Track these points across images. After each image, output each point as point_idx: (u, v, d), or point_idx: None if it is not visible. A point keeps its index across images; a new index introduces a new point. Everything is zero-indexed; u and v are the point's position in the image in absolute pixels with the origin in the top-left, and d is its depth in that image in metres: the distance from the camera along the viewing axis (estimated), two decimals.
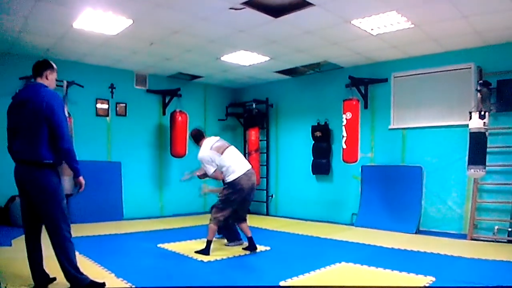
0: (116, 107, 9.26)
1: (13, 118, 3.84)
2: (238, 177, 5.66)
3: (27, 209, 3.91)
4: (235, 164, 5.75)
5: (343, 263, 5.24)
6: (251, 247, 5.87)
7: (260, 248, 6.16)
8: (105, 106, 9.09)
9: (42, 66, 3.89)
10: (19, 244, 5.61)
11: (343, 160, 8.17)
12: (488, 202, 7.06)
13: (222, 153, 5.79)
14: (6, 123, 3.89)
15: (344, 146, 8.06)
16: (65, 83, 7.86)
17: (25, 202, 3.91)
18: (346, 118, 8.02)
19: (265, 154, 10.64)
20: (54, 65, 3.97)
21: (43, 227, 3.90)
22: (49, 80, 3.89)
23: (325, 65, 9.00)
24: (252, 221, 9.02)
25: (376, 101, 8.67)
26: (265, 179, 10.55)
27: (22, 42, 7.12)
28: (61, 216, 3.79)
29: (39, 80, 3.86)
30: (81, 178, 3.88)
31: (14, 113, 3.83)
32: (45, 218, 3.81)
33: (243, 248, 5.99)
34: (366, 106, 8.64)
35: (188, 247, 6.21)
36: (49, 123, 3.65)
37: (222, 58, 8.46)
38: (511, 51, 6.90)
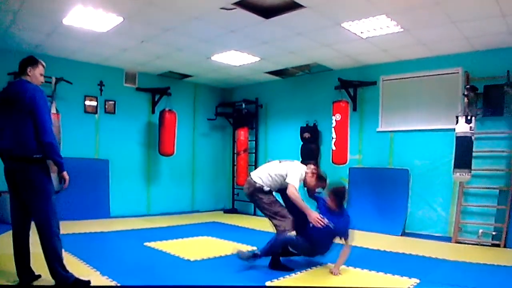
0: (105, 104, 9.22)
1: None
2: None
3: (17, 205, 3.89)
4: None
5: (329, 264, 5.24)
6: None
7: (247, 248, 6.16)
8: (94, 103, 9.04)
9: (24, 63, 3.88)
10: (5, 240, 5.57)
11: (332, 162, 8.19)
12: (473, 206, 7.13)
13: None
14: None
15: (334, 148, 8.08)
16: (53, 79, 7.81)
17: (14, 198, 3.89)
18: (335, 120, 8.05)
19: (254, 155, 10.64)
20: (38, 60, 3.95)
21: (32, 224, 3.89)
22: (31, 75, 3.86)
23: (315, 67, 9.03)
24: (240, 220, 9.06)
25: (364, 103, 8.71)
26: None
27: (11, 37, 7.06)
28: (51, 212, 3.79)
29: (23, 77, 3.86)
30: (65, 173, 3.84)
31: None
32: (35, 214, 3.80)
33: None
34: (355, 109, 8.68)
35: (175, 246, 6.20)
36: (31, 116, 3.65)
37: (212, 58, 8.46)
38: (499, 57, 6.97)
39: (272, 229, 5.42)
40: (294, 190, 5.05)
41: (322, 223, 4.90)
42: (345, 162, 8.13)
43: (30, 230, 3.95)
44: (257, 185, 5.28)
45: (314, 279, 4.70)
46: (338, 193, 5.16)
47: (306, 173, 5.31)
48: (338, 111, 8.06)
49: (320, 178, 5.37)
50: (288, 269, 5.02)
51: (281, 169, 5.30)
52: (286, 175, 5.18)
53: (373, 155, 8.55)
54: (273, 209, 5.25)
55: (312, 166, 5.44)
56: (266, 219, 5.57)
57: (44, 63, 4.01)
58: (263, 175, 5.35)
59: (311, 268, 5.09)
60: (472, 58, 7.26)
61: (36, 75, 3.92)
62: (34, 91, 3.73)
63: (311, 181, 5.35)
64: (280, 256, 5.15)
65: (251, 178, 5.39)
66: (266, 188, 5.28)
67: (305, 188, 5.45)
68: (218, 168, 11.48)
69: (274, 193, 5.43)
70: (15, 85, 3.83)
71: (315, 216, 4.97)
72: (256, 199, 5.34)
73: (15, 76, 6.81)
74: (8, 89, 3.86)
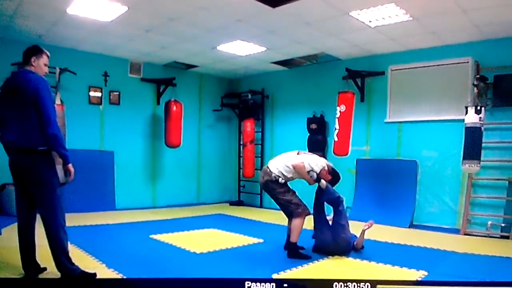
0: (110, 95, 9.17)
1: (2, 107, 3.79)
2: None
3: (22, 198, 3.86)
4: None
5: (336, 256, 5.22)
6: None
7: (253, 240, 6.15)
8: (98, 94, 8.99)
9: (28, 53, 3.82)
10: (10, 232, 5.56)
11: (333, 153, 8.11)
12: (482, 197, 7.07)
13: None
14: None
15: (336, 139, 7.99)
16: (57, 70, 7.76)
17: (20, 191, 3.86)
18: (340, 111, 7.96)
19: (260, 146, 10.59)
20: (43, 50, 3.89)
21: (37, 216, 3.86)
22: (35, 66, 3.80)
23: (322, 57, 8.94)
24: (246, 213, 9.04)
25: (372, 94, 8.63)
26: (259, 170, 10.50)
27: (14, 27, 7.01)
28: (56, 204, 3.77)
29: (26, 68, 3.80)
30: (70, 165, 3.79)
31: (3, 102, 3.78)
32: (40, 206, 3.78)
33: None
34: (362, 99, 8.60)
35: (181, 238, 6.18)
36: (35, 107, 3.60)
37: (218, 48, 8.38)
38: (509, 46, 6.87)
39: (278, 221, 5.42)
40: (301, 165, 5.27)
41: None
42: (346, 154, 8.02)
43: (36, 223, 3.92)
44: (273, 175, 5.33)
45: (320, 272, 4.68)
46: (336, 173, 5.53)
47: (323, 167, 5.39)
48: (343, 102, 7.96)
49: (334, 176, 5.50)
50: (306, 257, 5.18)
51: (299, 160, 5.35)
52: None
53: (381, 146, 8.48)
54: (287, 197, 5.35)
55: (329, 164, 5.55)
56: (272, 211, 5.56)
57: (48, 53, 3.95)
58: (280, 165, 5.39)
59: (318, 261, 5.05)
60: (482, 47, 7.15)
61: (41, 65, 3.86)
62: (38, 82, 3.67)
63: (326, 177, 5.45)
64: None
65: (268, 168, 5.44)
66: (282, 180, 5.32)
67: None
68: (224, 160, 11.44)
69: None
70: (18, 76, 3.78)
71: (322, 182, 5.39)
72: (270, 189, 5.40)
73: (19, 67, 6.82)
74: (12, 80, 3.80)
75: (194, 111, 10.70)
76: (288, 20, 6.66)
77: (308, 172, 5.32)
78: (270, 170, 5.36)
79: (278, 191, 5.34)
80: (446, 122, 7.57)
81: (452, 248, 5.85)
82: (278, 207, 5.50)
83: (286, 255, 5.29)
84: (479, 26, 6.54)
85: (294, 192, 5.45)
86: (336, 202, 5.38)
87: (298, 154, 5.49)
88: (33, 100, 3.59)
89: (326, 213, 5.50)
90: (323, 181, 5.36)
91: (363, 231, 5.50)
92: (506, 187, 6.88)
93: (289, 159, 5.39)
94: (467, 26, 6.58)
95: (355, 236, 5.50)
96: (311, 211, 5.46)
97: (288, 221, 5.53)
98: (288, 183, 5.44)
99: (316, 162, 5.37)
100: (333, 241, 5.25)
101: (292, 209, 5.32)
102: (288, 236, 5.46)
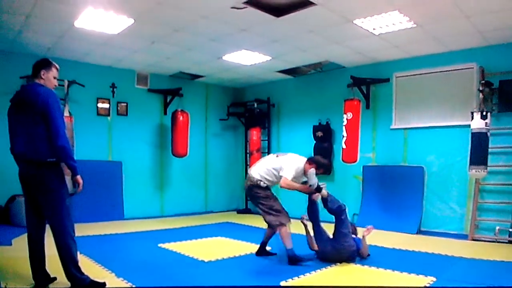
0: (117, 106, 9.25)
1: (12, 119, 3.86)
2: None
3: (32, 208, 3.90)
4: None
5: (344, 263, 5.22)
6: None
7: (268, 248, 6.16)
8: (106, 105, 9.08)
9: (38, 66, 3.88)
10: (20, 243, 5.62)
11: (342, 160, 8.14)
12: (490, 203, 7.05)
13: None
14: (8, 126, 3.90)
15: (344, 146, 8.03)
16: (66, 82, 7.85)
17: (29, 202, 3.90)
18: (346, 118, 7.99)
19: (267, 154, 10.56)
20: (52, 63, 3.94)
21: (47, 226, 3.90)
22: (45, 78, 3.85)
23: (327, 65, 8.98)
24: (253, 221, 9.02)
25: (378, 101, 8.65)
26: None
27: (22, 40, 7.11)
28: (65, 215, 3.80)
29: (36, 81, 3.85)
30: (78, 177, 3.83)
31: (13, 114, 3.85)
32: (49, 217, 3.82)
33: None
34: (367, 106, 8.62)
35: (189, 247, 6.20)
36: (44, 120, 3.65)
37: (223, 58, 8.44)
38: None
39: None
40: (286, 180, 5.21)
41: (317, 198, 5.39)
42: (355, 161, 8.07)
43: (45, 233, 3.96)
44: (255, 179, 5.40)
45: (328, 279, 4.66)
46: (323, 162, 5.49)
47: (303, 164, 5.41)
48: (350, 109, 8.00)
49: (318, 164, 5.43)
50: (307, 260, 5.29)
51: (277, 163, 5.41)
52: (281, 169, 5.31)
53: (387, 153, 8.48)
54: (269, 203, 5.40)
55: (312, 157, 5.57)
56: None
57: (58, 66, 4.00)
58: (261, 170, 5.46)
59: (326, 268, 5.04)
60: (487, 52, 7.17)
61: (50, 78, 3.91)
62: (47, 95, 3.72)
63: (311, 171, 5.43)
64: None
65: (250, 173, 5.52)
66: (263, 184, 5.38)
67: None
68: (231, 168, 11.47)
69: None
70: (28, 89, 3.83)
71: (315, 195, 5.39)
72: (253, 194, 5.46)
73: (28, 80, 6.90)
74: (21, 92, 3.85)
75: (200, 121, 10.76)
76: (292, 29, 6.70)
77: (294, 179, 5.34)
78: (252, 176, 5.44)
79: (260, 196, 5.40)
80: (452, 128, 7.57)
81: (460, 253, 5.83)
82: (293, 215, 5.52)
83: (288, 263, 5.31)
84: (483, 31, 6.55)
85: (277, 199, 5.52)
86: (339, 212, 5.31)
87: (277, 156, 5.58)
88: (42, 113, 3.64)
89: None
90: (324, 191, 5.34)
91: (363, 237, 5.51)
92: None
93: (269, 163, 5.48)
94: (471, 32, 6.59)
95: (359, 239, 5.50)
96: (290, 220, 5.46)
97: (268, 227, 5.65)
98: (271, 189, 5.52)
99: (293, 162, 5.39)
100: (336, 251, 5.24)
101: (271, 219, 5.36)
102: (263, 243, 5.73)
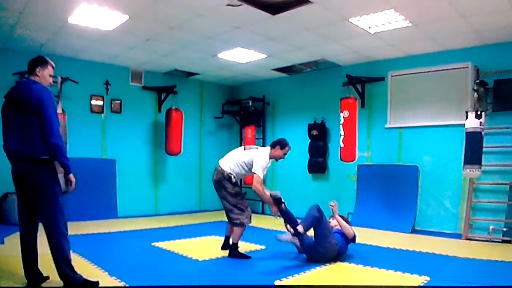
0: (111, 103, 9.20)
1: (6, 116, 3.84)
2: None
3: (24, 207, 3.87)
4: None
5: (338, 262, 5.22)
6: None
7: (255, 247, 6.16)
8: (100, 102, 9.03)
9: (33, 63, 3.86)
10: (12, 241, 5.59)
11: (341, 159, 8.13)
12: (484, 202, 7.06)
13: None
14: (1, 122, 3.88)
15: (342, 145, 8.02)
16: (59, 79, 7.80)
17: (22, 200, 3.88)
18: (343, 117, 7.99)
19: None
20: (48, 61, 3.92)
21: (39, 225, 3.87)
22: (40, 76, 3.84)
23: (323, 63, 8.97)
24: None
25: (373, 99, 8.65)
26: None
27: (16, 37, 7.06)
28: (58, 213, 3.78)
29: (31, 77, 3.84)
30: (71, 175, 3.81)
31: (7, 111, 3.83)
32: (42, 215, 3.79)
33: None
34: (363, 105, 8.62)
35: (183, 246, 6.19)
36: (38, 117, 3.62)
37: (219, 55, 8.42)
38: (509, 50, 6.89)
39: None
40: (257, 183, 5.36)
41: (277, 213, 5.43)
42: (354, 159, 8.07)
43: (38, 232, 3.94)
44: (226, 173, 5.50)
45: (322, 278, 4.67)
46: (278, 142, 5.71)
47: (269, 153, 5.59)
48: (346, 107, 8.00)
49: (281, 145, 5.67)
50: (246, 256, 5.50)
51: (247, 156, 5.55)
52: (252, 163, 5.46)
53: (382, 152, 8.48)
54: (235, 200, 5.51)
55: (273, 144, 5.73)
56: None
57: (53, 64, 3.99)
58: (231, 162, 5.58)
59: (320, 267, 5.04)
60: (482, 52, 7.18)
61: (45, 75, 3.89)
62: (42, 92, 3.70)
63: (278, 153, 5.66)
64: None
65: (220, 166, 5.60)
66: (234, 179, 5.51)
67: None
68: None
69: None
70: (22, 85, 3.81)
71: (274, 209, 5.45)
72: (222, 188, 5.52)
73: (21, 76, 6.86)
74: (16, 89, 3.84)
75: (195, 118, 10.73)
76: (288, 27, 6.69)
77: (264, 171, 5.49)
78: (222, 168, 5.51)
79: (229, 191, 5.48)
80: (447, 127, 7.58)
81: (454, 253, 5.85)
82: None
83: (228, 254, 5.55)
84: (479, 31, 6.56)
85: (244, 197, 5.65)
86: (316, 221, 5.14)
87: (245, 149, 5.71)
88: (36, 110, 3.62)
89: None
90: (283, 206, 5.36)
91: (336, 219, 5.52)
92: (508, 191, 6.87)
93: (238, 156, 5.60)
94: (466, 31, 6.60)
95: (339, 235, 5.39)
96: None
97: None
98: (240, 183, 5.64)
99: (262, 155, 5.52)
100: (321, 254, 5.19)
101: (233, 217, 5.50)
102: (226, 237, 5.87)
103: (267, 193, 5.46)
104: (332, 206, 5.51)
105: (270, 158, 5.60)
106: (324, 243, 5.15)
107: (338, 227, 5.47)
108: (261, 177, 5.40)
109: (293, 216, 5.27)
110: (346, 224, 5.49)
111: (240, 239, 5.55)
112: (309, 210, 5.20)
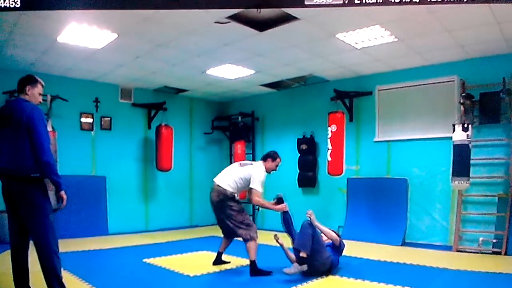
0: (101, 121, 9.20)
1: None
2: None
3: (15, 224, 3.86)
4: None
5: (330, 276, 5.22)
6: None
7: (247, 261, 6.12)
8: (90, 120, 9.03)
9: (23, 82, 3.88)
10: (3, 259, 5.54)
11: (328, 173, 8.18)
12: (473, 214, 7.11)
13: None
14: None
15: (329, 159, 8.07)
16: (49, 97, 7.79)
17: (12, 217, 3.87)
18: (331, 131, 8.05)
19: None
20: (38, 79, 3.95)
21: (30, 242, 3.85)
22: (30, 95, 3.86)
23: (311, 78, 9.05)
24: None
25: (361, 113, 8.72)
26: None
27: (5, 56, 7.04)
28: (49, 230, 3.77)
29: (21, 96, 3.86)
30: (62, 192, 3.81)
31: None
32: (33, 232, 3.78)
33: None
34: (351, 119, 8.69)
35: (174, 262, 6.17)
36: (29, 135, 3.64)
37: (207, 72, 8.46)
38: (494, 64, 6.97)
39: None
40: (258, 197, 5.43)
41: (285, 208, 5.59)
42: (341, 173, 8.11)
43: (29, 249, 3.91)
44: (228, 192, 5.45)
45: None
46: (269, 155, 5.76)
47: (264, 167, 5.63)
48: (334, 122, 8.06)
49: (272, 158, 5.72)
50: (267, 273, 5.36)
51: (243, 172, 5.53)
52: (250, 180, 5.46)
53: (371, 165, 8.53)
54: (240, 217, 5.49)
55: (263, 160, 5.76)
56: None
57: (43, 83, 4.01)
58: (230, 181, 5.52)
59: (312, 281, 5.05)
60: (467, 66, 7.27)
61: (35, 94, 3.91)
62: (32, 110, 3.72)
63: (270, 165, 5.71)
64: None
65: (219, 186, 5.53)
66: (237, 197, 5.52)
67: None
68: None
69: None
70: (12, 104, 3.83)
71: (280, 207, 5.57)
72: (226, 208, 5.47)
73: (11, 95, 6.85)
74: (6, 108, 3.85)
75: (185, 135, 10.74)
76: (276, 43, 6.76)
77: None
78: (224, 188, 5.46)
79: (233, 209, 5.45)
80: (434, 140, 7.65)
81: (445, 265, 5.87)
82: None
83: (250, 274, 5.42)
84: (464, 45, 6.66)
85: (246, 213, 5.66)
86: (311, 239, 5.16)
87: (240, 165, 5.69)
88: (27, 128, 3.63)
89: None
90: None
91: (319, 228, 5.44)
92: (496, 203, 6.93)
93: (236, 173, 5.57)
94: (451, 46, 6.70)
95: (330, 248, 5.44)
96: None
97: (224, 237, 5.84)
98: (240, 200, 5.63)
99: (258, 171, 5.54)
100: (313, 268, 5.18)
101: (242, 233, 5.45)
102: (219, 253, 5.88)
103: (267, 204, 5.62)
104: (309, 215, 5.46)
105: (265, 173, 5.62)
106: (318, 257, 5.16)
107: (328, 241, 5.49)
108: (260, 191, 5.42)
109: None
110: (329, 230, 5.53)
111: (255, 255, 5.43)
112: (302, 229, 5.21)
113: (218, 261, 5.86)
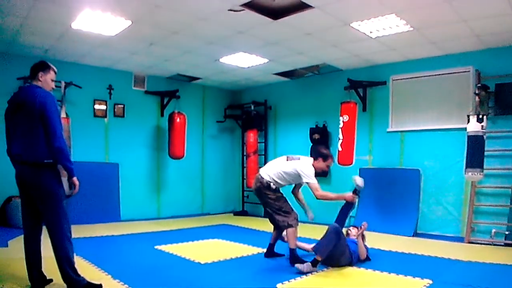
0: (114, 108, 9.25)
1: (10, 121, 3.87)
2: None
3: (28, 210, 3.90)
4: None
5: (341, 266, 5.22)
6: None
7: (258, 250, 6.16)
8: (103, 107, 9.08)
9: (36, 68, 3.90)
10: (16, 245, 5.61)
11: (338, 162, 8.14)
12: (486, 205, 7.07)
13: None
14: (4, 127, 3.91)
15: (340, 149, 8.03)
16: (63, 84, 7.85)
17: (26, 203, 3.90)
18: (343, 121, 8.01)
19: (263, 156, 10.61)
20: (50, 66, 3.96)
21: (43, 228, 3.89)
22: (42, 81, 3.87)
23: (324, 68, 9.01)
24: (250, 223, 9.04)
25: (374, 104, 8.67)
26: None
27: (20, 42, 7.11)
28: (62, 216, 3.80)
29: (34, 82, 3.87)
30: (75, 178, 3.84)
31: (10, 116, 3.85)
32: (46, 218, 3.81)
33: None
34: (364, 109, 8.65)
35: (186, 249, 6.20)
36: (42, 121, 3.66)
37: (221, 60, 8.46)
38: (510, 54, 6.91)
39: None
40: (317, 191, 5.28)
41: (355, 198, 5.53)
42: (351, 163, 8.08)
43: (42, 235, 3.96)
44: (265, 181, 5.43)
45: (325, 281, 4.66)
46: (322, 154, 5.58)
47: (313, 166, 5.49)
48: (346, 112, 8.02)
49: (324, 157, 5.57)
50: (304, 262, 5.14)
51: (289, 167, 5.45)
52: (298, 175, 5.38)
53: (384, 156, 8.50)
54: (279, 204, 5.45)
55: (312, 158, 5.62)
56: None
57: (55, 69, 4.02)
58: (271, 172, 5.50)
59: (322, 270, 5.04)
60: (483, 56, 7.21)
61: (47, 80, 3.93)
62: (45, 97, 3.74)
63: (320, 165, 5.56)
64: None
65: (259, 175, 5.56)
66: (273, 186, 5.43)
67: None
68: (228, 171, 11.49)
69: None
70: (25, 90, 3.84)
71: (349, 195, 5.50)
72: (263, 195, 5.48)
73: (25, 81, 6.90)
74: (19, 94, 3.86)
75: (197, 123, 10.77)
76: (290, 32, 6.73)
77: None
78: (261, 177, 5.47)
79: (269, 197, 5.43)
80: (448, 131, 7.60)
81: (457, 256, 5.84)
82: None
83: (289, 262, 5.35)
84: (480, 35, 6.59)
85: (286, 200, 5.56)
86: (334, 246, 5.04)
87: (287, 160, 5.58)
88: (40, 114, 3.65)
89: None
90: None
91: (358, 239, 5.43)
92: (510, 195, 6.88)
93: (280, 166, 5.51)
94: (467, 36, 6.63)
95: (352, 241, 5.44)
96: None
97: (274, 229, 5.75)
98: (281, 189, 5.56)
99: (308, 166, 5.45)
100: (335, 260, 5.17)
101: (279, 220, 5.41)
102: (270, 245, 5.77)
103: (333, 195, 5.62)
104: (363, 227, 5.46)
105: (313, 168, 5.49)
106: (340, 255, 5.16)
107: (355, 237, 5.49)
108: (317, 183, 5.32)
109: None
110: (363, 247, 5.48)
111: (295, 243, 5.40)
112: (328, 234, 5.04)
113: (269, 253, 5.80)
